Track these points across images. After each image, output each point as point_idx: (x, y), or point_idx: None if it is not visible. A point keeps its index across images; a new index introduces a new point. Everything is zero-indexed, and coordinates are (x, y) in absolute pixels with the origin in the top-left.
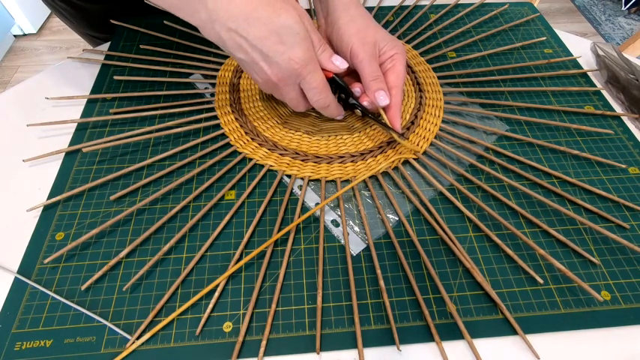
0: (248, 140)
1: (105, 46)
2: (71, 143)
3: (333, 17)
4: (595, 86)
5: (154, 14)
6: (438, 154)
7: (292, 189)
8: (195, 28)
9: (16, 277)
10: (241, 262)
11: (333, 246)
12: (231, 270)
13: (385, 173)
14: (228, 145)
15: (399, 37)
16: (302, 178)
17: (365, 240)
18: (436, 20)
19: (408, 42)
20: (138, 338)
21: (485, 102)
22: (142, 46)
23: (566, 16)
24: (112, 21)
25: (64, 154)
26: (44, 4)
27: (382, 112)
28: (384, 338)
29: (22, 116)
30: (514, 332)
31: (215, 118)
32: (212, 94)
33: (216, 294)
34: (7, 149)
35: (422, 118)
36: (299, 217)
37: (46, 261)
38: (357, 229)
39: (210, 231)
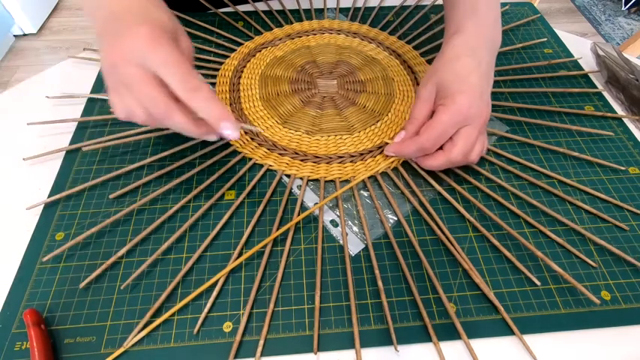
0: (247, 140)
1: None
2: (71, 142)
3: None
4: (595, 87)
5: None
6: None
7: (291, 189)
8: (195, 28)
9: (15, 278)
10: (239, 260)
11: (332, 246)
12: (228, 268)
13: (384, 173)
14: (227, 144)
15: (399, 38)
16: (301, 178)
17: (364, 240)
18: (437, 21)
19: (408, 42)
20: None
21: None
22: None
23: (566, 16)
24: None
25: (64, 152)
26: None
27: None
28: (384, 338)
29: (22, 115)
30: (514, 332)
31: None
32: None
33: (215, 293)
34: (7, 148)
35: None
36: (298, 216)
37: (45, 259)
38: (356, 229)
39: (210, 230)
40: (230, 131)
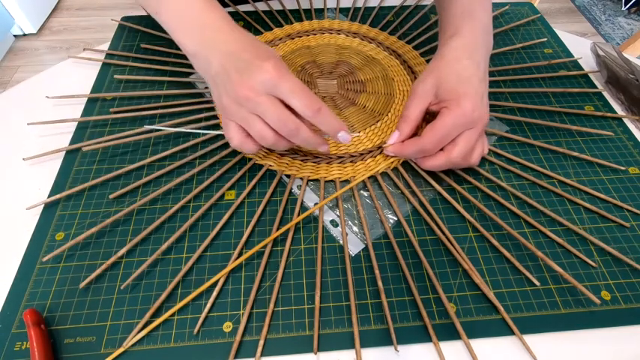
0: None
1: (105, 46)
2: (71, 142)
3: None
4: (595, 87)
5: None
6: None
7: (291, 189)
8: None
9: (15, 278)
10: (239, 260)
11: (332, 246)
12: (228, 268)
13: (384, 173)
14: (227, 144)
15: (399, 38)
16: (301, 178)
17: (364, 240)
18: (436, 21)
19: (408, 42)
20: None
21: None
22: (142, 46)
23: (566, 16)
24: (112, 19)
25: (64, 153)
26: None
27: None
28: (384, 338)
29: (22, 115)
30: (514, 332)
31: (215, 117)
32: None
33: (215, 293)
34: (7, 148)
35: None
36: (298, 216)
37: (45, 259)
38: (356, 229)
39: (210, 230)
40: (344, 138)
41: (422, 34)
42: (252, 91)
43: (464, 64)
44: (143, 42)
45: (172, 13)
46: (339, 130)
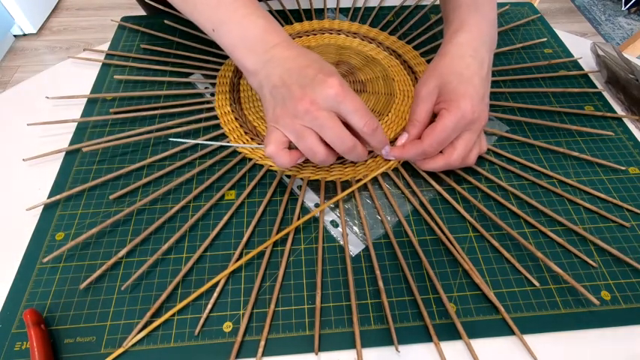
0: (247, 140)
1: (105, 46)
2: (71, 143)
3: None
4: (595, 87)
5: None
6: None
7: (292, 189)
8: (195, 28)
9: (15, 278)
10: (240, 262)
11: (332, 246)
12: (228, 270)
13: (384, 173)
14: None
15: (399, 38)
16: (302, 179)
17: (364, 240)
18: (437, 21)
19: (408, 42)
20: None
21: None
22: (142, 46)
23: (566, 16)
24: (112, 19)
25: (64, 153)
26: None
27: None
28: (384, 338)
29: (22, 116)
30: (514, 332)
31: (215, 117)
32: (212, 94)
33: (215, 293)
34: (7, 149)
35: None
36: (298, 217)
37: (45, 260)
38: (356, 229)
39: (210, 231)
40: (386, 151)
41: (422, 34)
42: (313, 105)
43: (467, 61)
44: (143, 42)
45: (234, 33)
46: (385, 145)
